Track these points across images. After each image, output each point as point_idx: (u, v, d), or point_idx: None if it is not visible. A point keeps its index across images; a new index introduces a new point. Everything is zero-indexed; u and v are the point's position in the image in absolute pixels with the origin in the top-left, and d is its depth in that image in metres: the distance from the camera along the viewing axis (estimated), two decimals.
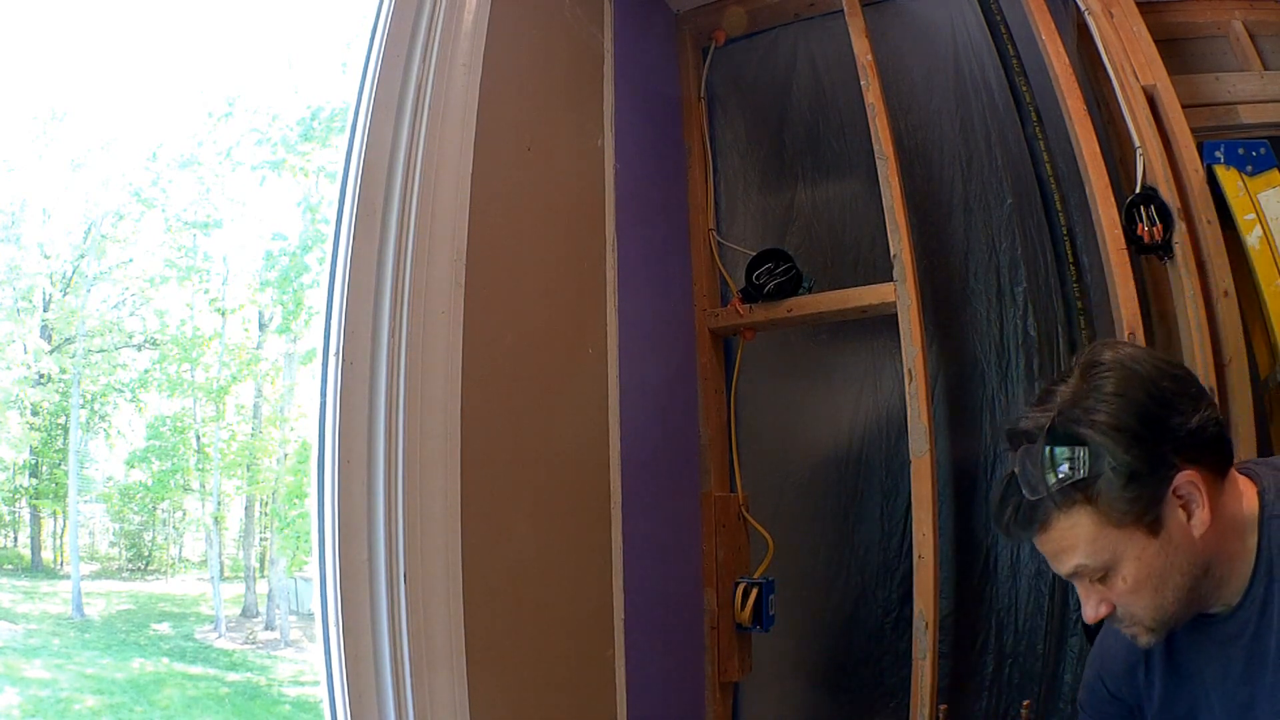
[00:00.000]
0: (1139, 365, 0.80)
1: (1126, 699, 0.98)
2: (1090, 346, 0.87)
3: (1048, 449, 0.78)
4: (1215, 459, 0.80)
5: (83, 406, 8.81)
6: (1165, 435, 0.77)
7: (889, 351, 1.83)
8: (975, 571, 1.71)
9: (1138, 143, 1.53)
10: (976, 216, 1.83)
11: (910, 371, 1.60)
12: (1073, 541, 0.80)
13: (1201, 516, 0.77)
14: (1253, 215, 1.52)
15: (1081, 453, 0.77)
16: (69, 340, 8.95)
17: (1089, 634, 1.55)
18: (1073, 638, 1.61)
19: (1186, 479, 0.77)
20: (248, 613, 8.62)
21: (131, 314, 9.06)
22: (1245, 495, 0.82)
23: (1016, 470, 0.81)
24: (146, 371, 8.90)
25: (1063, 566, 0.82)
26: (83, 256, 8.88)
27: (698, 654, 1.72)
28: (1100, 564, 0.79)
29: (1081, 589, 0.84)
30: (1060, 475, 0.77)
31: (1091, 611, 0.83)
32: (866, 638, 1.79)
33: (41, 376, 8.61)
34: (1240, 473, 0.84)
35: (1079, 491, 0.77)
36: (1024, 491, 0.80)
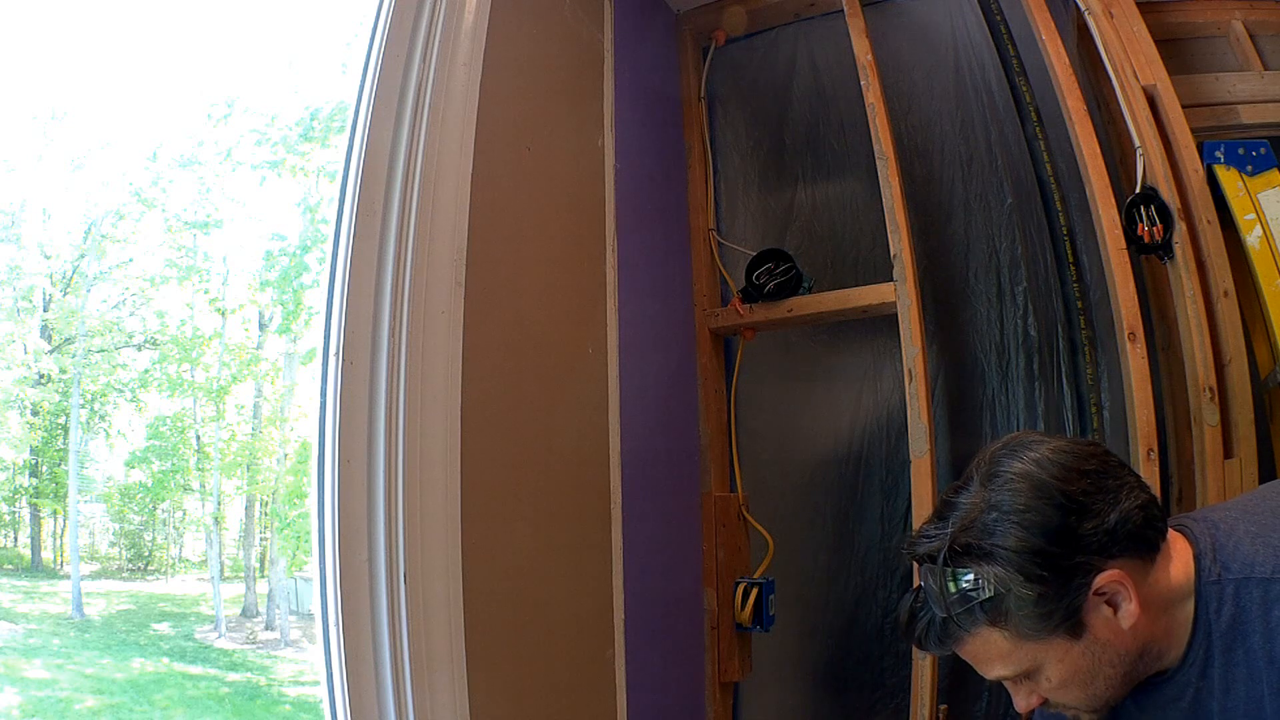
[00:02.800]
0: (1044, 471, 0.75)
1: None
2: (993, 448, 0.80)
3: (949, 571, 0.76)
4: (1141, 546, 0.76)
5: (83, 406, 8.82)
6: (1079, 545, 0.73)
7: (889, 351, 1.83)
8: None
9: (1138, 143, 1.53)
10: (976, 216, 1.83)
11: (910, 371, 1.60)
12: (988, 655, 0.78)
13: (1129, 610, 0.74)
14: (1253, 215, 1.52)
15: (984, 577, 0.74)
16: (69, 340, 8.95)
17: None
18: None
19: (1109, 579, 0.73)
20: (248, 613, 8.63)
21: (131, 314, 9.07)
22: (1179, 560, 0.78)
23: (925, 585, 0.79)
24: (146, 371, 8.91)
25: (986, 674, 0.80)
26: (83, 256, 8.88)
27: (698, 654, 1.72)
28: (1022, 671, 0.78)
29: (1010, 686, 0.82)
30: (965, 599, 0.75)
31: (1022, 703, 0.81)
32: (866, 638, 1.79)
33: (41, 376, 8.61)
34: (1175, 530, 0.81)
35: (984, 614, 0.75)
36: (934, 608, 0.78)
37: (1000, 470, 0.77)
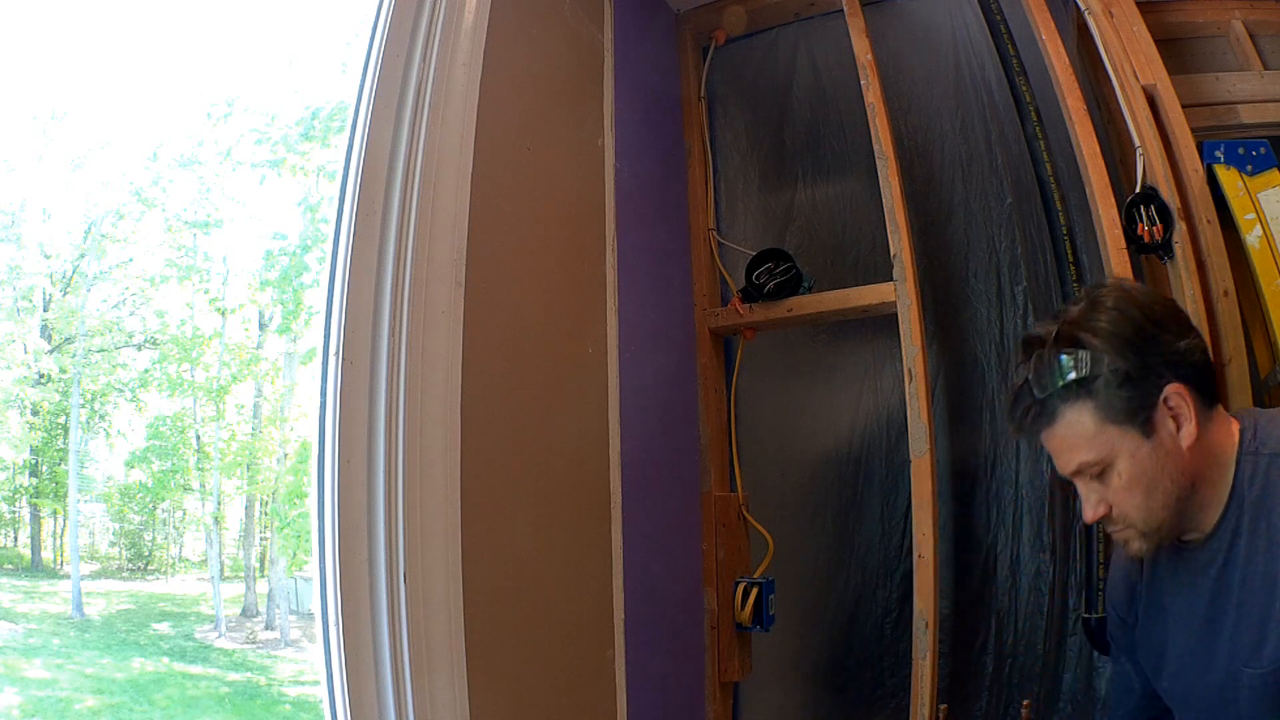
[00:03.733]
0: (1136, 292, 0.91)
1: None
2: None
3: (1055, 352, 0.88)
4: (1203, 386, 0.88)
5: (83, 406, 8.82)
6: (1156, 348, 0.86)
7: (889, 351, 1.83)
8: (975, 571, 1.71)
9: (1138, 143, 1.53)
10: (976, 216, 1.83)
11: (910, 371, 1.60)
12: (1075, 438, 0.88)
13: (1189, 430, 0.86)
14: (1253, 215, 1.52)
15: (1084, 355, 0.86)
16: (69, 340, 8.95)
17: (1089, 634, 1.55)
18: (1072, 637, 1.62)
19: (1176, 391, 0.85)
20: (248, 613, 8.63)
21: (131, 314, 9.06)
22: (1227, 428, 0.89)
23: (1029, 373, 0.90)
24: (146, 371, 8.90)
25: (1066, 465, 0.91)
26: (83, 256, 8.88)
27: (698, 654, 1.72)
28: (1099, 458, 0.88)
29: (1082, 488, 0.91)
30: (1065, 375, 0.87)
31: (1090, 511, 0.91)
32: (866, 638, 1.79)
33: (41, 376, 8.61)
34: (1244, 413, 0.92)
35: (1081, 389, 0.87)
36: (1034, 391, 0.89)
37: (1099, 286, 0.95)
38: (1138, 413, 0.86)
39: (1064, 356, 0.87)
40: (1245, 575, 0.85)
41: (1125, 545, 0.93)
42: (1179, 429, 0.86)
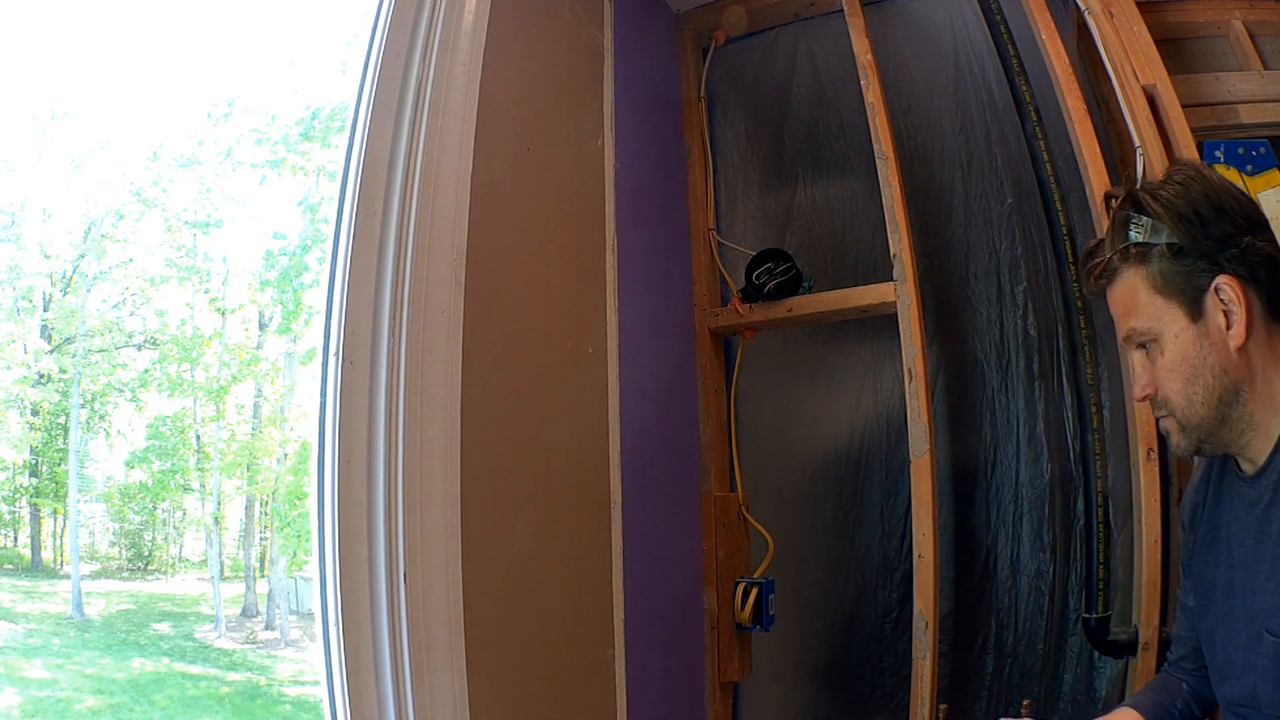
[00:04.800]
0: (1212, 176, 0.88)
1: None
2: None
3: (1122, 214, 0.89)
4: (1269, 292, 0.85)
5: (83, 406, 8.82)
6: (1211, 233, 0.85)
7: (889, 351, 1.83)
8: (975, 571, 1.71)
9: (1138, 142, 1.53)
10: (976, 216, 1.83)
11: (910, 371, 1.60)
12: (1129, 301, 0.90)
13: (1238, 328, 0.83)
14: None
15: (1145, 221, 0.87)
16: (69, 340, 8.95)
17: (1089, 634, 1.55)
18: (1072, 637, 1.62)
19: (1228, 282, 0.83)
20: (248, 612, 8.63)
21: (131, 314, 9.06)
22: None
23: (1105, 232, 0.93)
24: (146, 371, 8.91)
25: (1121, 329, 0.92)
26: (83, 256, 8.88)
27: (698, 654, 1.72)
28: (1146, 328, 0.88)
29: (1135, 364, 0.92)
30: (1128, 237, 0.88)
31: (1139, 389, 0.91)
32: (866, 638, 1.79)
33: (41, 376, 8.61)
34: None
35: (1139, 253, 0.88)
36: (1104, 249, 0.92)
37: (1183, 161, 0.95)
38: (1187, 291, 0.85)
39: (1131, 219, 0.88)
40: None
41: (1168, 437, 0.92)
42: (1229, 325, 0.84)
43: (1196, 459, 1.00)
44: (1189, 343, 0.86)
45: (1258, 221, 0.87)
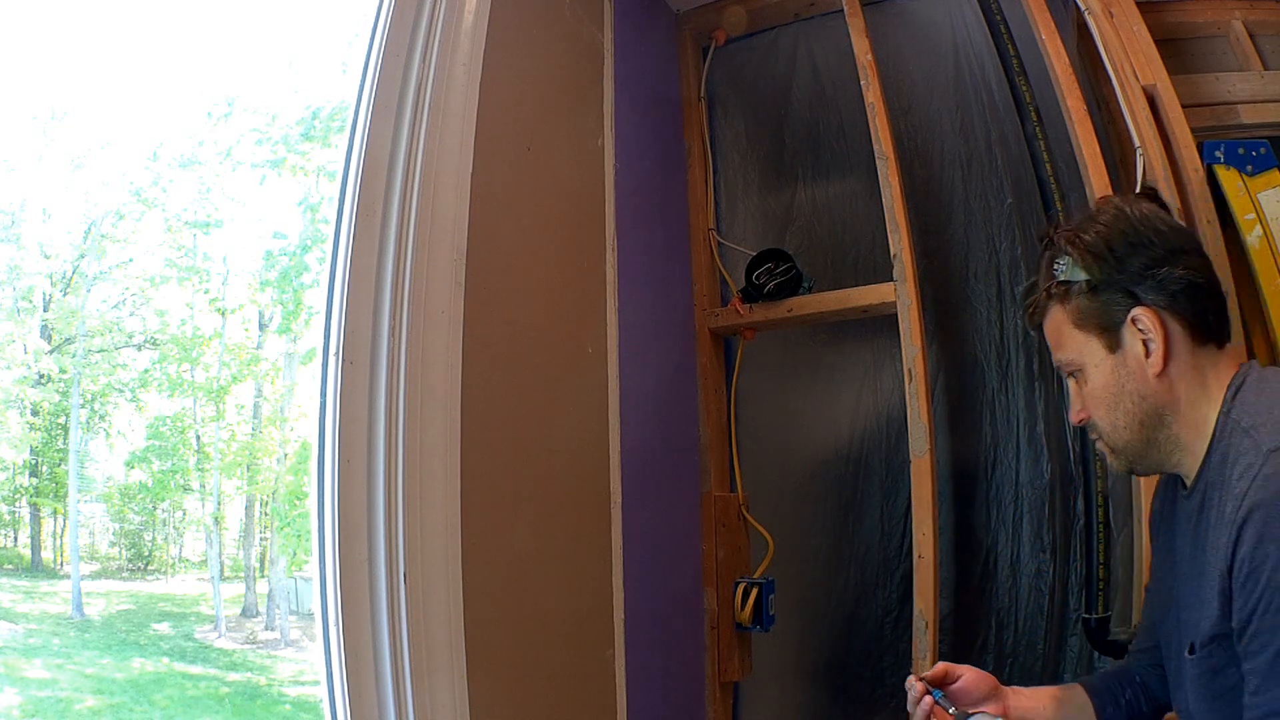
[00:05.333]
0: (1134, 211, 0.91)
1: None
2: None
3: (1048, 255, 0.95)
4: (1191, 318, 0.87)
5: (83, 406, 8.82)
6: (1127, 268, 0.88)
7: (889, 351, 1.83)
8: (975, 571, 1.71)
9: (1138, 143, 1.53)
10: (976, 216, 1.83)
11: (910, 371, 1.60)
12: (1056, 335, 0.95)
13: (1156, 356, 0.86)
14: (1253, 215, 1.52)
15: (1065, 262, 0.92)
16: (69, 340, 8.95)
17: (1089, 634, 1.55)
18: (1072, 637, 1.62)
19: (1144, 313, 0.87)
20: (248, 613, 8.63)
21: (131, 314, 9.07)
22: (1223, 378, 0.87)
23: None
24: (146, 371, 8.91)
25: (1055, 358, 0.97)
26: (83, 256, 8.88)
27: (698, 654, 1.72)
28: (1069, 359, 0.94)
29: (1071, 391, 0.97)
30: (1054, 276, 0.93)
31: (1073, 414, 0.97)
32: (866, 638, 1.79)
33: (41, 376, 8.61)
34: (1245, 367, 0.89)
35: (1062, 292, 0.93)
36: (1038, 287, 0.97)
37: (1110, 200, 0.97)
38: (1105, 324, 0.89)
39: (1054, 259, 0.94)
40: (1206, 541, 0.84)
41: (1105, 457, 0.96)
42: (1148, 354, 0.87)
43: None
44: (1108, 372, 0.90)
45: (1182, 250, 0.89)
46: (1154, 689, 1.05)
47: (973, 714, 0.96)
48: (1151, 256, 0.88)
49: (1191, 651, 0.84)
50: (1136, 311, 0.87)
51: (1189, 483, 0.89)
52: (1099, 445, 0.96)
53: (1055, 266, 0.93)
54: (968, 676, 1.03)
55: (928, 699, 0.99)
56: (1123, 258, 0.88)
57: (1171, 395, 0.87)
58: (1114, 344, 0.89)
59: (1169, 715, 1.04)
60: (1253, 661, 0.76)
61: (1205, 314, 0.88)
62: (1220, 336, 0.90)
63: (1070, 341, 0.93)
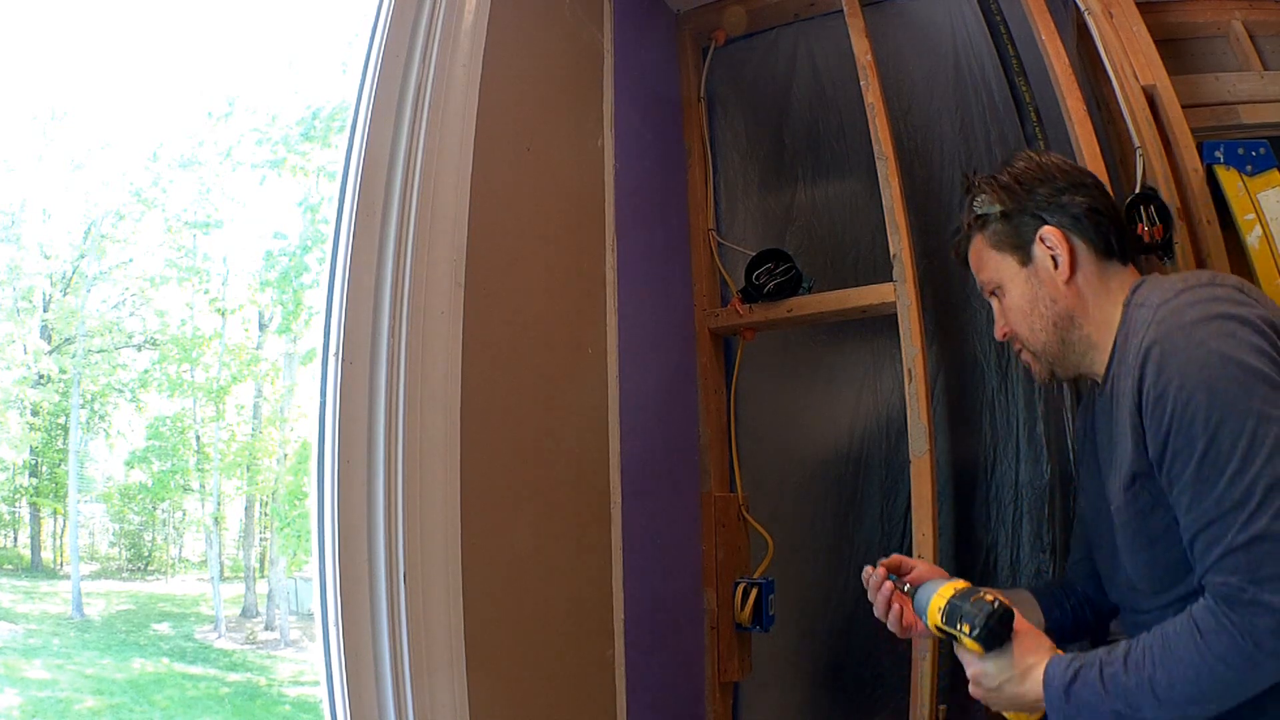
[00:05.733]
0: (1044, 157, 1.08)
1: None
2: None
3: (969, 197, 1.11)
4: (1094, 237, 1.01)
5: (83, 406, 8.82)
6: (1034, 197, 1.04)
7: (889, 351, 1.83)
8: (975, 571, 1.71)
9: (1137, 143, 1.53)
10: None
11: (910, 371, 1.60)
12: (978, 260, 1.10)
13: (1063, 266, 1.01)
14: (1252, 215, 1.52)
15: (983, 199, 1.08)
16: (69, 340, 8.95)
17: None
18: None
19: (1051, 232, 1.02)
20: (248, 613, 8.64)
21: (131, 314, 9.07)
22: (1126, 285, 1.00)
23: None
24: (146, 371, 8.91)
25: (978, 283, 1.12)
26: (83, 256, 8.89)
27: (698, 654, 1.72)
28: (990, 279, 1.09)
29: (995, 310, 1.11)
30: (973, 211, 1.09)
31: (997, 330, 1.11)
32: (866, 638, 1.79)
33: (41, 376, 8.62)
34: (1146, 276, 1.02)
35: (980, 223, 1.09)
36: (961, 224, 1.14)
37: (1020, 153, 1.12)
38: (1018, 244, 1.04)
39: (973, 198, 1.09)
40: (1116, 418, 0.93)
41: (1030, 369, 1.10)
42: (1056, 265, 1.01)
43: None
44: (1023, 283, 1.05)
45: (1083, 184, 1.04)
46: (1095, 600, 1.15)
47: (924, 584, 1.07)
48: (1056, 188, 1.03)
49: (1117, 499, 0.93)
50: (1044, 230, 1.02)
51: (1102, 380, 1.00)
52: (1023, 357, 1.09)
53: (975, 203, 1.08)
54: (920, 568, 1.16)
55: (888, 584, 1.13)
56: (1030, 189, 1.04)
57: (1080, 300, 1.01)
58: (1026, 259, 1.04)
59: (1114, 624, 1.16)
60: (1178, 482, 0.83)
61: (1106, 235, 1.02)
62: (1123, 255, 1.03)
63: (989, 262, 1.08)
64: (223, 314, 8.92)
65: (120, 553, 9.97)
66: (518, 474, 1.22)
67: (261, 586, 8.82)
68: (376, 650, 0.94)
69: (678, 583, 1.69)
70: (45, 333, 8.90)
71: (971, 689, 0.99)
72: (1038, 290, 1.03)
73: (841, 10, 1.86)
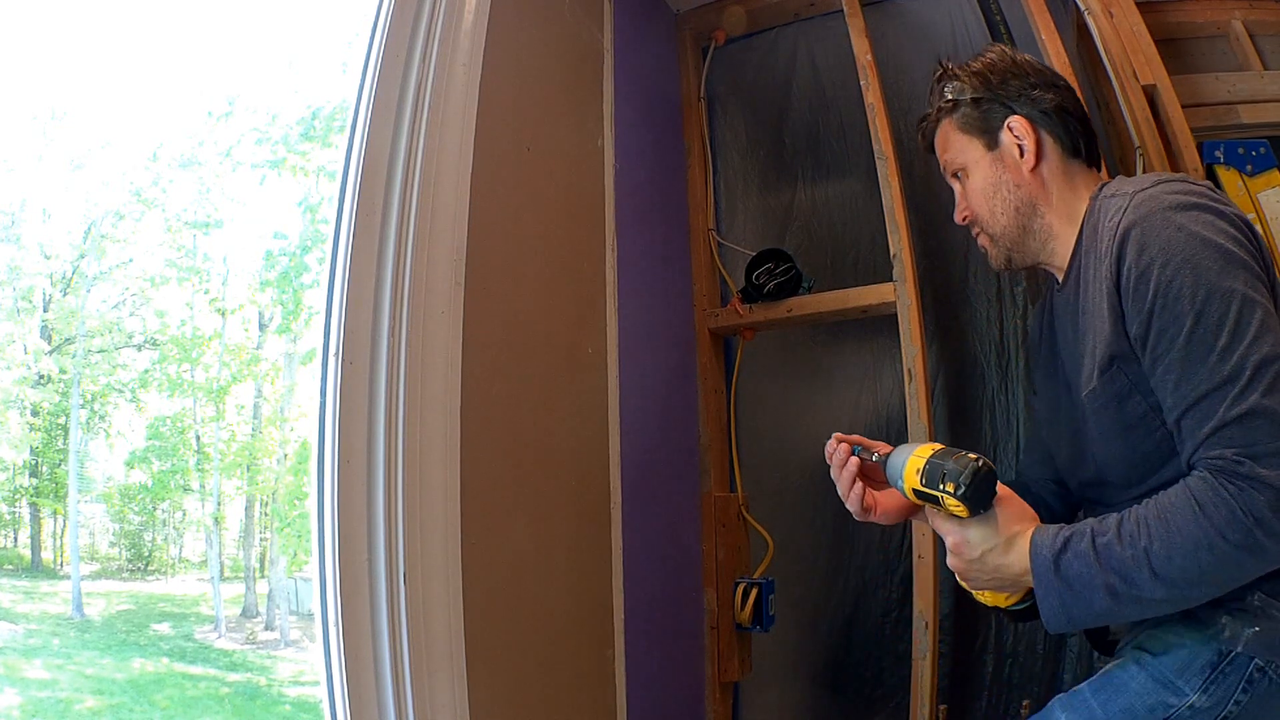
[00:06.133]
0: (1019, 55, 1.08)
1: None
2: None
3: (940, 85, 1.11)
4: (1062, 134, 1.02)
5: (83, 406, 8.82)
6: (1006, 88, 1.04)
7: (889, 351, 1.83)
8: None
9: (1138, 142, 1.53)
10: None
11: (910, 371, 1.60)
12: (945, 142, 1.10)
13: (1029, 155, 1.01)
14: (1252, 215, 1.52)
15: (954, 85, 1.08)
16: (69, 340, 8.95)
17: (1090, 635, 1.55)
18: (1072, 637, 1.61)
19: (1019, 121, 1.02)
20: (248, 613, 8.63)
21: (131, 314, 9.06)
22: (1092, 185, 1.00)
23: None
24: (146, 371, 8.90)
25: (941, 164, 1.12)
26: (83, 256, 8.88)
27: (698, 654, 1.72)
28: (954, 159, 1.08)
29: (957, 194, 1.11)
30: (943, 99, 1.10)
31: (958, 214, 1.10)
32: (866, 638, 1.79)
33: (41, 377, 8.61)
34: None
35: (950, 108, 1.09)
36: (929, 110, 1.14)
37: (994, 46, 1.11)
38: (986, 129, 1.05)
39: (944, 85, 1.10)
40: (1084, 307, 0.92)
41: (986, 254, 1.09)
42: (1022, 154, 1.02)
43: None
44: (987, 167, 1.05)
45: (1054, 84, 1.04)
46: (1049, 502, 1.13)
47: (897, 449, 0.96)
48: (1028, 82, 1.03)
49: (1090, 383, 0.90)
50: (1012, 120, 1.02)
51: (1062, 275, 1.00)
52: (980, 241, 1.09)
53: (945, 89, 1.09)
54: (883, 449, 1.12)
55: (854, 459, 1.08)
56: (1003, 79, 1.04)
57: (1044, 189, 1.01)
58: (992, 144, 1.04)
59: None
60: (1164, 360, 0.81)
61: (1074, 135, 1.02)
62: (1090, 158, 1.03)
63: (955, 144, 1.08)
64: (223, 314, 8.91)
65: (120, 553, 9.96)
66: (518, 474, 1.22)
67: (261, 586, 8.82)
68: (376, 650, 0.94)
69: (678, 582, 1.69)
70: (45, 333, 8.89)
71: (950, 560, 0.92)
72: (1001, 174, 1.03)
73: (841, 10, 1.86)
